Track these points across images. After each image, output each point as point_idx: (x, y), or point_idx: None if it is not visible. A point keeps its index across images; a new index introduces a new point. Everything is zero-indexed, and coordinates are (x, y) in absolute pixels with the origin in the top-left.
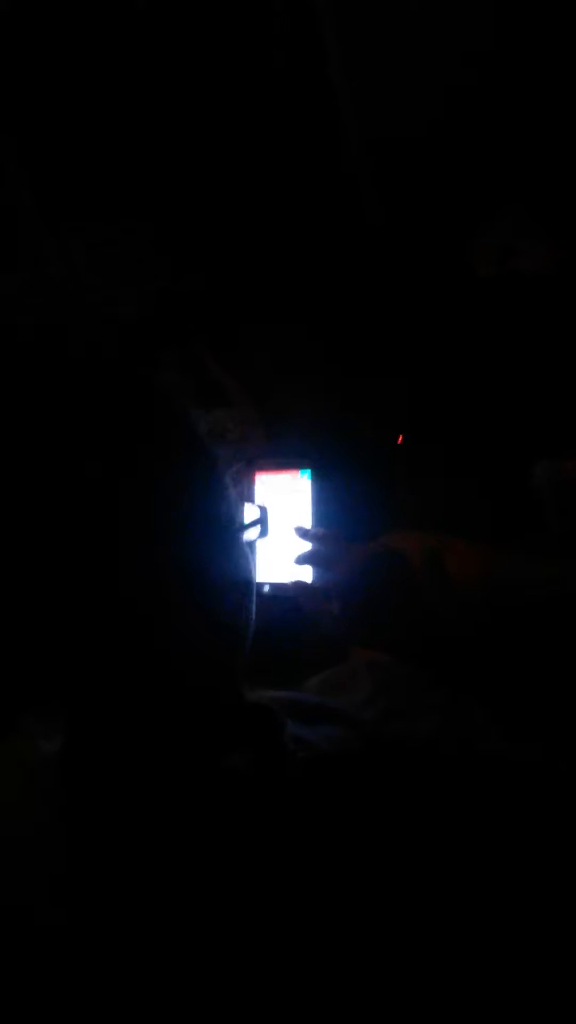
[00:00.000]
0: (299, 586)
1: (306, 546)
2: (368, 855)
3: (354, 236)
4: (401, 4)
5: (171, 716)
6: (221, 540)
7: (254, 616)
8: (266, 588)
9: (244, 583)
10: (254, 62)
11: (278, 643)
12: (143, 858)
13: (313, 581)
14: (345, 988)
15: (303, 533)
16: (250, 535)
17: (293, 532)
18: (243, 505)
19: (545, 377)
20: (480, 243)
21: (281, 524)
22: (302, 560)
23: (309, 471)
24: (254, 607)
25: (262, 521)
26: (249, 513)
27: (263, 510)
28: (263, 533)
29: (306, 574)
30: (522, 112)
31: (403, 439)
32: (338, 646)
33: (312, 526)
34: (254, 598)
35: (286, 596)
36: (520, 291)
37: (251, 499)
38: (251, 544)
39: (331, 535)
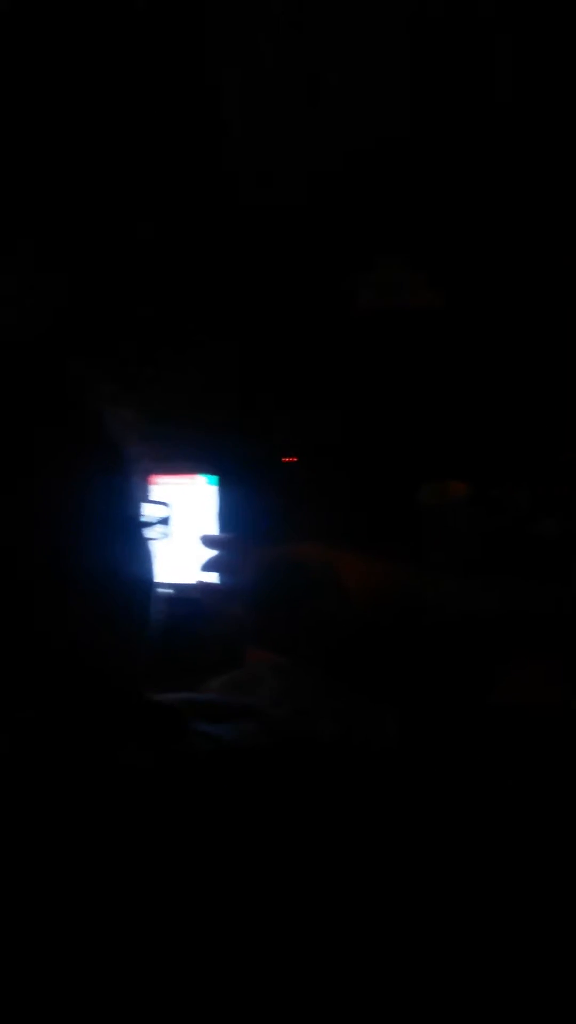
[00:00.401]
0: (204, 587)
1: (211, 552)
2: (277, 849)
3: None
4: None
5: (69, 713)
6: (127, 538)
7: (157, 616)
8: (169, 589)
9: (148, 583)
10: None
11: (177, 645)
12: (34, 856)
13: (217, 583)
14: (253, 982)
15: (209, 541)
16: (155, 534)
17: (198, 538)
18: (148, 504)
19: (432, 403)
20: (362, 281)
21: (185, 527)
22: (208, 564)
23: (214, 477)
24: (157, 607)
25: (166, 520)
26: (154, 512)
27: (167, 509)
28: (167, 533)
29: (210, 577)
30: (402, 169)
31: (290, 460)
32: (237, 649)
33: (217, 531)
34: (157, 598)
35: (188, 598)
36: (400, 324)
37: (154, 499)
38: (155, 543)
39: (237, 540)
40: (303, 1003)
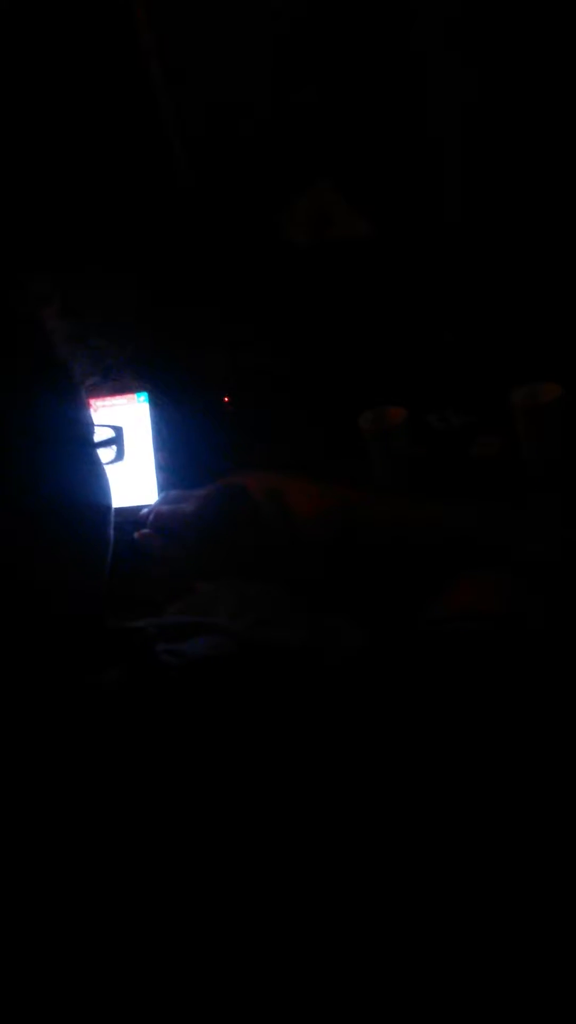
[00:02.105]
0: (150, 515)
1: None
2: (251, 757)
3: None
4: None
5: (28, 640)
6: (79, 459)
7: (112, 541)
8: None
9: (105, 506)
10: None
11: (125, 575)
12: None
13: (164, 511)
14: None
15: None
16: (105, 456)
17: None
18: (98, 425)
19: (366, 332)
20: (295, 213)
21: (127, 449)
22: (153, 510)
23: (146, 395)
24: (112, 532)
25: (117, 442)
26: (103, 434)
27: (118, 431)
28: (119, 455)
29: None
30: (332, 96)
31: (228, 400)
32: (184, 581)
33: (153, 452)
34: (112, 523)
35: (133, 524)
36: (335, 256)
37: (103, 421)
38: (108, 466)
39: (175, 492)
40: (289, 909)
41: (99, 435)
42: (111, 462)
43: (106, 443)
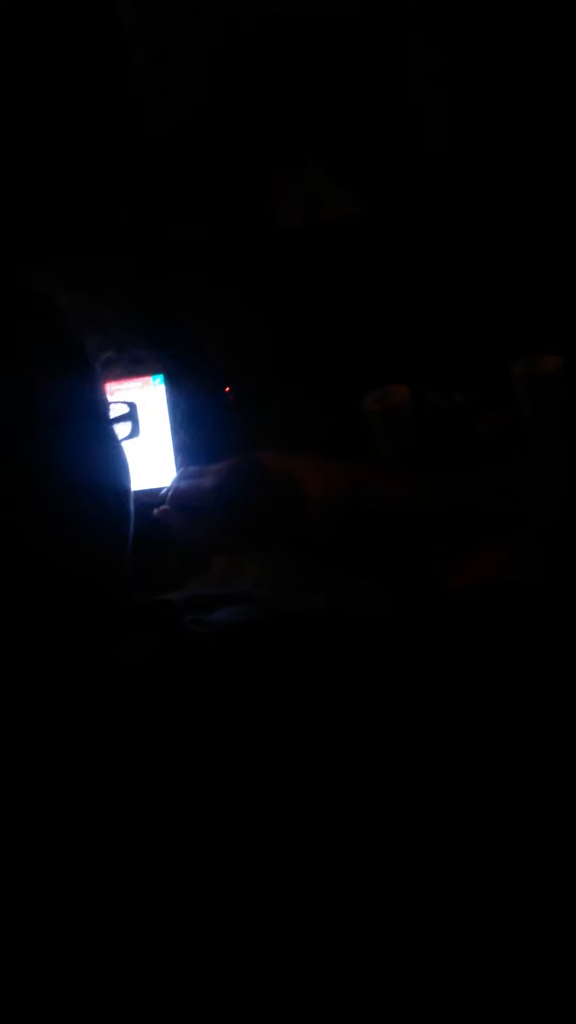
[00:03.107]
0: (168, 494)
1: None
2: (279, 719)
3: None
4: None
5: (56, 617)
6: (97, 435)
7: (133, 515)
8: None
9: (123, 480)
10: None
11: (144, 553)
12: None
13: (184, 492)
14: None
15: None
16: (121, 433)
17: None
18: (113, 404)
19: (364, 315)
20: (284, 196)
21: (145, 430)
22: (172, 487)
23: (161, 376)
24: (132, 507)
25: (132, 418)
26: (119, 411)
27: (132, 407)
28: (134, 432)
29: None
30: (313, 70)
31: (230, 390)
32: (203, 555)
33: (172, 433)
34: (132, 499)
35: (151, 503)
36: (327, 238)
37: (117, 399)
38: (126, 444)
39: (193, 468)
40: (309, 873)
41: (114, 412)
42: (127, 438)
43: (121, 419)
